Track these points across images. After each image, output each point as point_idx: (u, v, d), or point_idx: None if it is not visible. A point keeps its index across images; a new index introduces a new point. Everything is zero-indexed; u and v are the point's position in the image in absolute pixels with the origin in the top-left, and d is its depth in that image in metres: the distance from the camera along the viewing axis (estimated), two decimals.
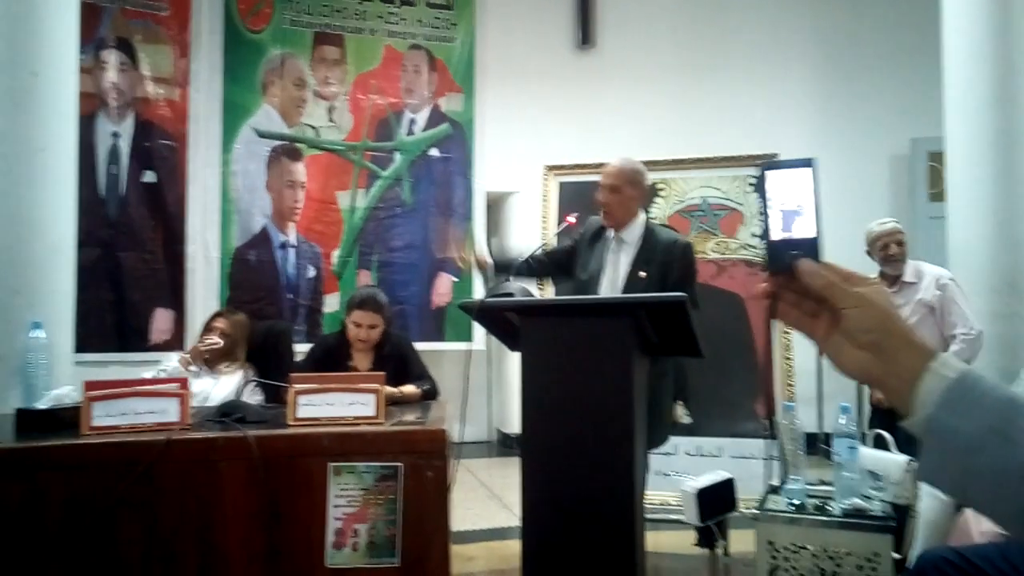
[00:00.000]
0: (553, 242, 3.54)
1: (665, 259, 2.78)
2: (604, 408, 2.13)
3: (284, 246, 5.18)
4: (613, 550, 2.09)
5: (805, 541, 2.26)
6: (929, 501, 2.52)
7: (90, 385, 1.98)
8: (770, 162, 0.75)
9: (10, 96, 3.01)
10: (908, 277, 3.45)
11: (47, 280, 3.07)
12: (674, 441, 3.82)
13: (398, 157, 5.43)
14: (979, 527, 2.07)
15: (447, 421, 2.25)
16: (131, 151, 4.75)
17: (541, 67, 5.93)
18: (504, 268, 3.00)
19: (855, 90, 5.90)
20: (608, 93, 5.90)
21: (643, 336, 2.21)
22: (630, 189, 2.86)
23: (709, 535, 2.56)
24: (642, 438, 2.20)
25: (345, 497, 1.95)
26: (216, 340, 3.11)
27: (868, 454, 2.52)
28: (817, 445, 4.69)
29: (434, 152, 5.49)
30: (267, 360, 3.23)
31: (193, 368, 3.05)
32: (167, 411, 2.02)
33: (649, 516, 2.52)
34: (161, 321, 4.81)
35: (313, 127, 5.28)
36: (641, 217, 2.93)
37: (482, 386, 5.80)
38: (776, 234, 0.71)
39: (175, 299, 4.85)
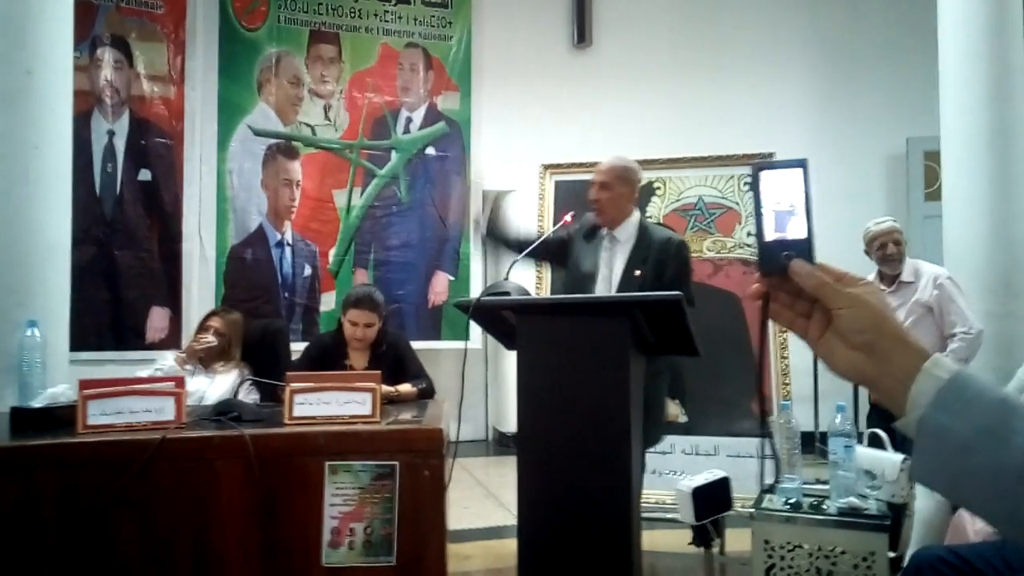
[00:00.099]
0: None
1: (660, 257, 2.78)
2: (601, 407, 2.12)
3: (280, 244, 5.17)
4: (609, 549, 2.09)
5: (801, 540, 2.26)
6: (925, 500, 2.53)
7: (85, 384, 1.98)
8: (763, 162, 0.75)
9: (4, 94, 3.00)
10: (906, 276, 3.38)
11: (42, 278, 3.06)
12: (670, 440, 3.83)
13: (394, 155, 5.43)
14: (974, 526, 2.07)
15: (444, 420, 2.25)
16: (126, 149, 4.75)
17: (537, 66, 5.93)
18: (497, 234, 3.08)
19: (851, 89, 5.91)
20: (604, 92, 5.90)
21: (639, 335, 2.20)
22: (621, 186, 2.86)
23: (705, 534, 2.56)
24: (638, 437, 2.20)
25: (341, 496, 1.94)
26: (211, 339, 3.11)
27: (864, 453, 2.52)
28: (813, 444, 4.71)
29: (430, 151, 5.49)
30: (263, 359, 3.21)
31: (188, 367, 3.05)
32: (163, 410, 2.02)
33: (645, 515, 2.52)
34: (157, 319, 4.80)
35: (309, 125, 5.28)
36: (635, 215, 2.92)
37: (479, 385, 5.79)
38: (769, 234, 0.71)
39: (171, 297, 4.85)
